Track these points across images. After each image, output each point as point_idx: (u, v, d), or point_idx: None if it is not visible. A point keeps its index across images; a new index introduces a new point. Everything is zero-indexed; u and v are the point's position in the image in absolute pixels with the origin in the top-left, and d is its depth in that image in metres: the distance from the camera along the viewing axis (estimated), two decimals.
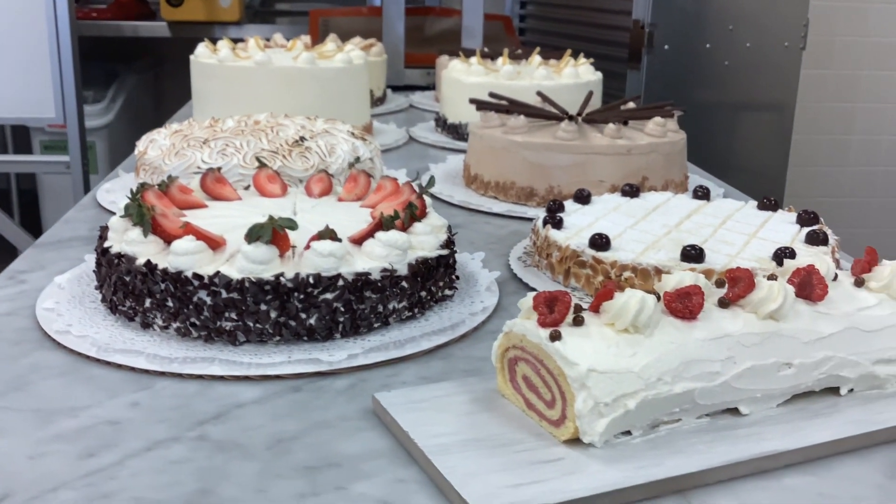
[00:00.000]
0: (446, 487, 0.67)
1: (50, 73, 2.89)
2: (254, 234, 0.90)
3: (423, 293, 0.99)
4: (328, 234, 0.93)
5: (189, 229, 0.92)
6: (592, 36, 3.44)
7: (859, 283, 0.84)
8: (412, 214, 1.01)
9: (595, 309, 0.77)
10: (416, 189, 1.10)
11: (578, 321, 0.75)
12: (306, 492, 0.68)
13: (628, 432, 0.73)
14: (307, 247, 0.92)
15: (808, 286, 0.81)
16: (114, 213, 1.38)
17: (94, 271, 1.02)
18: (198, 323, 0.91)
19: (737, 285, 0.79)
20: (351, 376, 0.87)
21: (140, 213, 0.94)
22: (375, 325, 0.95)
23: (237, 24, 4.13)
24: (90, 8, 4.17)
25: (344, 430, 0.77)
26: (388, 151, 1.89)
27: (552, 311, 0.75)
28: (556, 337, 0.72)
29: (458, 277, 1.10)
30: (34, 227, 4.36)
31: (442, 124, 2.04)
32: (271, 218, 0.92)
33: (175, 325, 0.91)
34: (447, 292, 1.05)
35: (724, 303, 0.79)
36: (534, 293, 0.77)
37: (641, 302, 0.74)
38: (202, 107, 1.88)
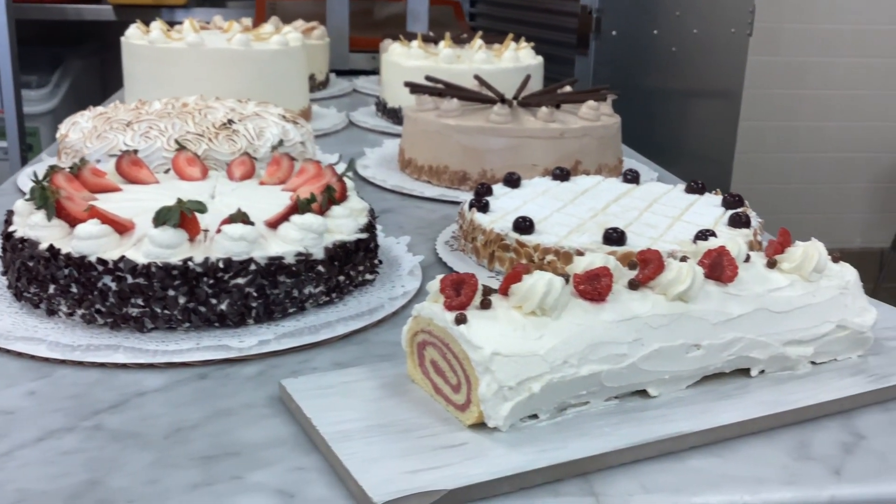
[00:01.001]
0: (344, 474, 0.65)
1: None
2: (161, 218, 0.88)
3: (342, 278, 0.97)
4: (240, 217, 0.90)
5: (94, 213, 0.89)
6: (542, 21, 3.43)
7: (772, 264, 0.84)
8: (330, 197, 0.99)
9: (504, 292, 0.75)
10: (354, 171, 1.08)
11: (486, 304, 0.73)
12: (199, 482, 0.66)
13: (536, 416, 0.72)
14: (218, 230, 0.89)
15: (719, 267, 0.80)
16: None
17: None
18: (103, 310, 0.88)
19: (647, 267, 0.79)
20: (261, 363, 0.85)
21: (44, 197, 0.91)
22: (290, 311, 0.93)
23: (184, 8, 4.05)
24: None
25: (247, 417, 0.75)
26: (326, 136, 1.86)
27: (458, 293, 0.73)
28: (461, 320, 0.71)
29: (380, 262, 1.08)
30: None
31: (382, 108, 2.02)
32: (180, 201, 0.89)
33: (80, 311, 0.88)
34: (368, 277, 1.03)
35: (634, 284, 0.78)
36: (442, 276, 0.76)
37: (549, 284, 0.72)
38: (133, 89, 1.84)
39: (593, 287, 0.75)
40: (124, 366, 0.83)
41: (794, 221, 4.62)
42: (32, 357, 0.84)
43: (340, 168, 1.49)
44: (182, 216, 0.88)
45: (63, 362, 0.83)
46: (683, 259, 0.81)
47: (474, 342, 0.70)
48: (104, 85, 4.92)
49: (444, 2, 3.27)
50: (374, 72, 2.70)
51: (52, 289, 0.89)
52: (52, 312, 0.90)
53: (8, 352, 0.85)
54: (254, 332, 0.89)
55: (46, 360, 0.83)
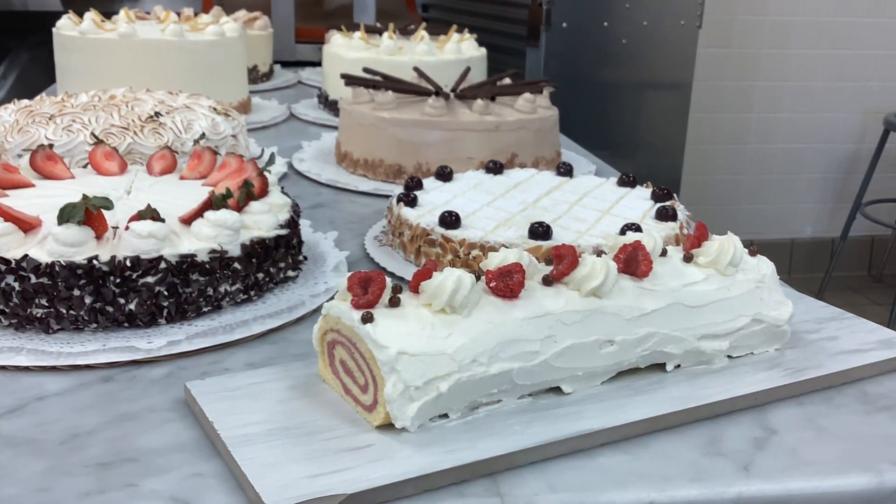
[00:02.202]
0: (242, 480, 0.63)
1: None
2: (65, 215, 0.85)
3: (260, 275, 0.95)
4: (149, 213, 0.87)
5: None
6: (493, 13, 3.42)
7: (688, 258, 0.83)
8: (248, 192, 0.97)
9: (414, 289, 0.74)
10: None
11: (395, 302, 0.72)
12: (93, 490, 0.63)
13: (445, 415, 0.71)
14: (126, 227, 0.87)
15: (634, 262, 0.80)
16: None
17: None
18: (6, 310, 0.85)
19: (561, 262, 0.78)
20: (170, 364, 0.83)
21: None
22: (205, 310, 0.91)
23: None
24: None
25: (149, 422, 0.73)
26: (265, 129, 1.83)
27: (366, 291, 0.72)
28: (367, 319, 0.69)
29: (305, 258, 1.06)
30: None
31: (324, 101, 1.99)
32: (85, 197, 0.86)
33: None
34: (290, 273, 1.01)
35: (547, 280, 0.77)
36: (349, 273, 0.74)
37: (458, 281, 0.71)
38: (65, 81, 1.79)
39: (505, 284, 0.74)
40: (26, 369, 0.80)
41: (745, 212, 4.68)
42: None
43: (282, 165, 1.47)
44: (87, 213, 0.85)
45: None
46: (599, 254, 0.80)
47: (380, 341, 0.68)
48: (52, 77, 4.82)
49: None
50: (321, 63, 2.67)
51: None
52: None
53: None
54: (165, 332, 0.87)
55: None
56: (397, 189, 1.40)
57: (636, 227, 1.02)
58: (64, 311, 0.84)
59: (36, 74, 4.58)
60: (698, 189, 4.34)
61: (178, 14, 2.29)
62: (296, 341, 0.89)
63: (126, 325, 0.87)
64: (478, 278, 0.74)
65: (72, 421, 0.72)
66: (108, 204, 0.86)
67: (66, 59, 1.76)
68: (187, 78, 1.73)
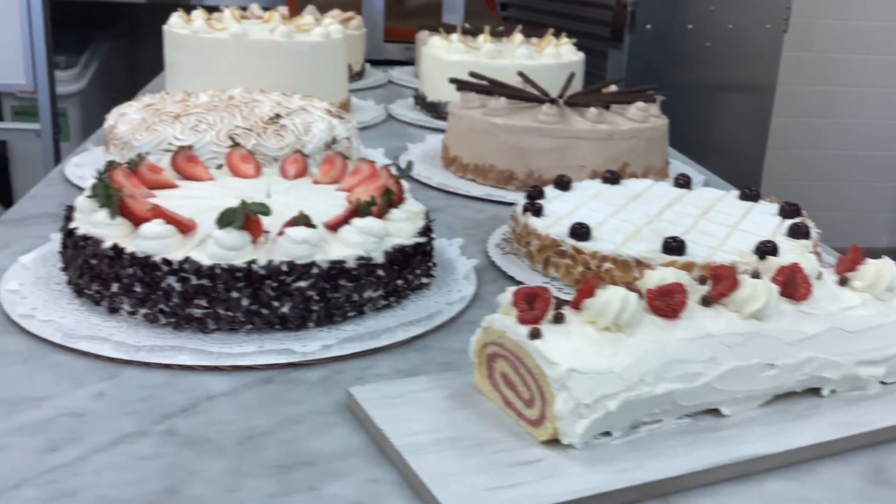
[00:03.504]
0: (422, 489, 0.65)
1: (20, 38, 2.81)
2: (225, 220, 0.87)
3: (400, 281, 0.97)
4: (302, 220, 0.90)
5: (158, 212, 0.89)
6: (574, 13, 3.40)
7: (843, 282, 0.83)
8: (389, 200, 0.99)
9: (576, 305, 0.75)
10: (394, 173, 1.07)
11: (559, 318, 0.73)
12: (277, 492, 0.66)
13: (608, 433, 0.72)
14: (281, 233, 0.89)
15: (792, 285, 0.79)
16: (80, 188, 1.35)
17: (59, 252, 0.99)
18: (166, 309, 0.88)
19: (720, 283, 0.78)
20: (324, 368, 0.85)
21: (107, 195, 0.91)
22: (350, 314, 0.93)
23: None
24: None
25: (317, 425, 0.75)
26: (365, 129, 1.85)
27: (532, 307, 0.73)
28: (535, 335, 0.71)
29: (435, 265, 1.07)
30: (4, 193, 4.27)
31: (421, 102, 2.01)
32: (244, 203, 0.89)
33: (143, 311, 0.88)
34: (424, 280, 1.02)
35: (706, 301, 0.77)
36: (513, 288, 0.75)
37: (624, 300, 0.72)
38: (175, 79, 1.83)
39: (667, 303, 0.74)
40: (189, 368, 0.83)
41: (820, 219, 4.56)
42: (98, 357, 0.84)
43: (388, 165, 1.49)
44: (246, 218, 0.88)
45: (129, 363, 0.83)
46: (755, 275, 0.80)
47: (550, 358, 0.69)
48: (132, 67, 4.93)
49: None
50: (409, 62, 2.69)
51: (114, 287, 0.89)
52: (113, 310, 0.90)
53: (73, 350, 0.85)
54: (315, 335, 0.89)
55: (112, 360, 0.83)
56: (509, 195, 1.41)
57: (772, 246, 1.01)
58: (221, 311, 0.87)
59: (117, 64, 4.69)
60: (773, 194, 4.28)
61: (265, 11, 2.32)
62: (439, 349, 0.91)
63: (277, 327, 0.89)
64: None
65: (243, 422, 0.75)
66: (266, 210, 0.89)
67: (176, 56, 1.81)
68: (294, 78, 1.76)
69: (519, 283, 1.07)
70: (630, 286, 0.75)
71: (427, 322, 0.95)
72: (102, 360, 0.83)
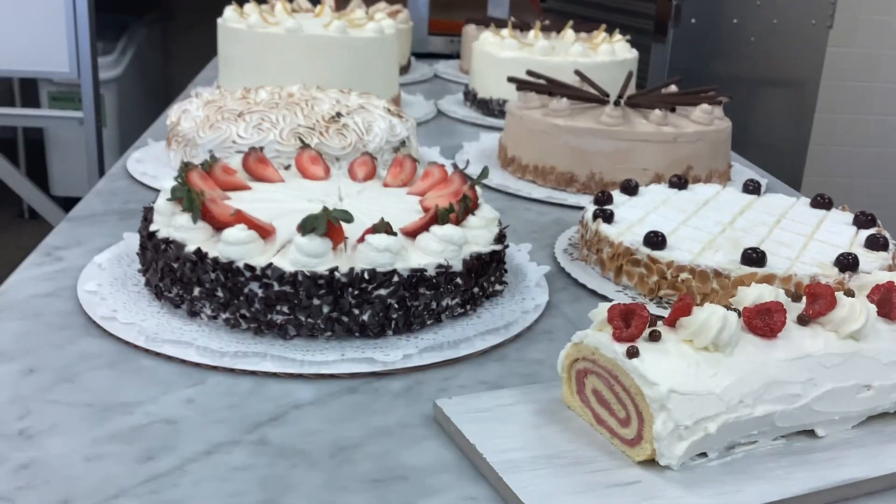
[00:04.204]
0: None
1: (64, 25, 2.83)
2: (308, 226, 0.87)
3: (476, 289, 0.96)
4: (383, 227, 0.89)
5: (241, 217, 0.89)
6: (617, 6, 3.37)
7: None
8: (466, 207, 0.98)
9: (671, 323, 0.74)
10: (466, 177, 1.06)
11: (655, 336, 0.72)
12: None
13: (704, 454, 0.71)
14: (361, 239, 0.89)
15: (888, 304, 0.78)
16: (145, 185, 1.35)
17: (137, 254, 0.99)
18: (248, 315, 0.88)
19: (817, 302, 0.77)
20: (406, 377, 0.85)
21: (190, 199, 0.91)
22: (428, 322, 0.92)
23: None
24: None
25: (406, 438, 0.75)
26: (417, 126, 1.85)
27: (628, 325, 0.72)
28: (633, 353, 0.70)
29: (506, 271, 1.07)
30: (40, 175, 4.32)
31: (472, 99, 1.99)
32: (325, 209, 0.88)
33: (224, 315, 0.89)
34: (498, 287, 1.02)
35: (803, 320, 0.76)
36: (607, 304, 0.74)
37: (724, 320, 0.71)
38: (229, 72, 1.83)
39: (765, 323, 0.73)
40: (273, 374, 0.83)
41: None
42: (182, 361, 0.84)
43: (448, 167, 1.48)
44: (328, 224, 0.88)
45: (213, 368, 0.83)
46: (849, 293, 0.78)
47: (649, 378, 0.68)
48: (167, 53, 4.96)
49: None
50: (454, 55, 2.68)
51: (196, 291, 0.89)
52: (194, 314, 0.91)
53: (157, 354, 0.85)
54: (394, 344, 0.89)
55: (196, 365, 0.84)
56: (570, 197, 1.40)
57: (854, 258, 1.00)
58: (303, 318, 0.87)
59: (153, 51, 4.72)
60: (813, 190, 4.23)
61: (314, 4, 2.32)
62: (518, 360, 0.90)
63: (357, 334, 0.89)
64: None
65: (333, 433, 0.75)
66: (348, 217, 0.88)
67: (231, 50, 1.80)
68: (348, 73, 1.76)
69: (591, 291, 1.07)
70: (726, 305, 0.74)
71: (504, 332, 0.94)
72: (187, 365, 0.84)
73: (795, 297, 0.79)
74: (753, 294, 0.76)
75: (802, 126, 3.48)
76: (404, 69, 2.39)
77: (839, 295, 0.77)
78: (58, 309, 0.93)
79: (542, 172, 1.45)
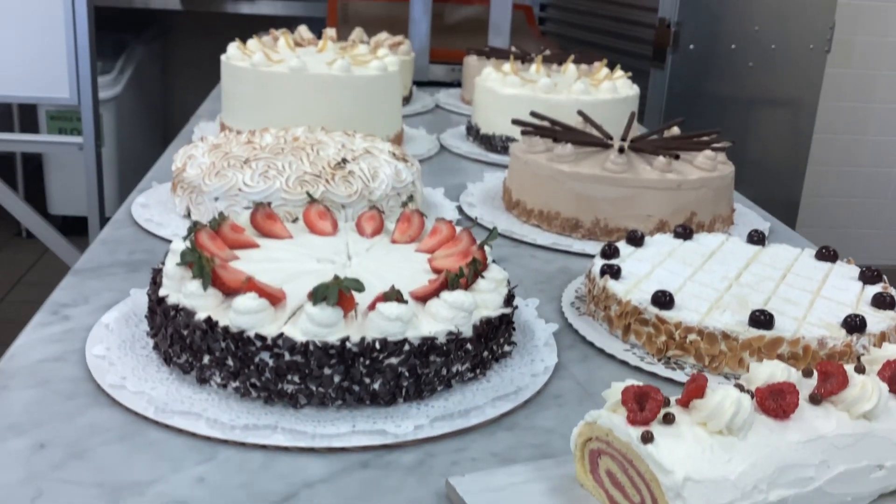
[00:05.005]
0: None
1: (65, 51, 2.82)
2: (319, 295, 0.87)
3: (486, 353, 0.96)
4: (394, 295, 0.89)
5: (251, 285, 0.89)
6: (614, 30, 3.39)
7: None
8: (475, 270, 0.98)
9: (685, 403, 0.74)
10: (476, 222, 1.07)
11: (669, 419, 0.72)
12: None
13: None
14: (372, 306, 0.89)
15: None
16: (150, 232, 1.35)
17: (146, 316, 0.99)
18: (258, 384, 0.88)
19: (828, 380, 0.77)
20: (418, 449, 0.85)
21: (200, 265, 0.91)
22: (438, 388, 0.92)
23: (249, 0, 4.06)
24: None
25: None
26: (420, 162, 1.85)
27: (643, 408, 0.72)
28: (648, 439, 0.70)
29: (514, 329, 1.07)
30: (38, 193, 4.31)
31: (475, 134, 2.00)
32: (337, 278, 0.88)
33: (234, 384, 0.88)
34: (507, 348, 1.02)
35: (815, 399, 0.76)
36: (620, 385, 0.74)
37: (737, 404, 0.71)
38: (233, 109, 1.84)
39: (778, 404, 0.73)
40: (284, 448, 0.83)
41: (857, 236, 4.55)
42: (192, 434, 0.84)
43: (453, 210, 1.48)
44: (339, 293, 0.88)
45: (224, 442, 0.83)
46: (860, 369, 0.79)
47: (664, 465, 0.68)
48: (165, 70, 4.96)
49: (517, 7, 3.22)
50: (454, 84, 2.69)
51: (206, 359, 0.89)
52: (203, 381, 0.91)
53: (167, 426, 0.85)
54: (405, 412, 0.89)
55: (206, 438, 0.83)
56: (576, 243, 1.40)
57: (861, 320, 1.00)
58: (313, 388, 0.87)
59: (151, 69, 4.72)
60: (811, 211, 4.24)
61: (320, 36, 2.33)
62: (529, 428, 0.90)
63: (367, 402, 0.89)
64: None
65: None
66: (359, 286, 0.88)
67: (234, 88, 1.81)
68: (352, 111, 1.76)
69: (599, 349, 1.07)
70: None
71: (514, 397, 0.94)
72: (197, 438, 0.83)
73: (807, 373, 0.79)
74: (766, 373, 0.76)
75: (801, 148, 3.50)
76: (406, 99, 2.40)
77: (851, 372, 0.77)
78: (66, 375, 0.93)
79: (548, 217, 1.45)
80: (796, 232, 1.62)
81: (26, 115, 4.19)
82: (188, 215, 1.38)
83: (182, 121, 2.15)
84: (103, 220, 3.10)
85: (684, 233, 1.28)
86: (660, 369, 1.01)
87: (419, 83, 2.62)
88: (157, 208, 1.43)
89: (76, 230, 3.93)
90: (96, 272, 1.20)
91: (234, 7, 4.13)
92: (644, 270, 1.15)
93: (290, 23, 4.22)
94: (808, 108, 3.43)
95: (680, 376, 1.00)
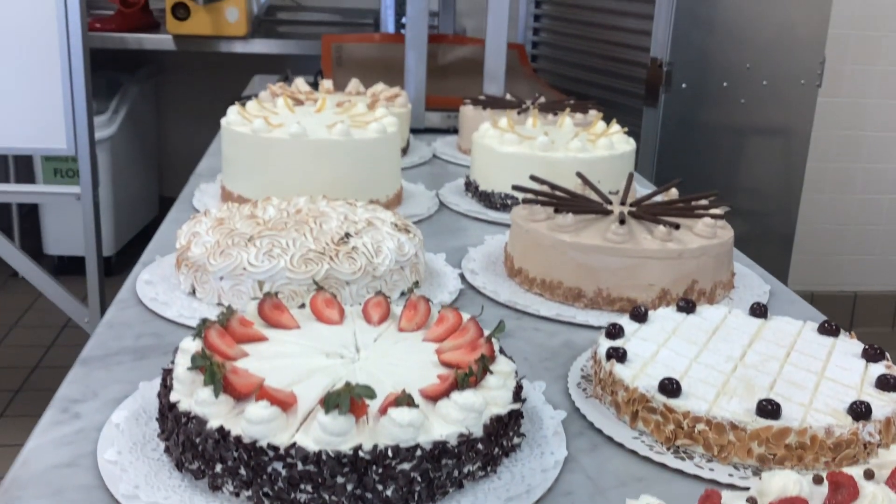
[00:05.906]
0: None
1: (62, 102, 2.84)
2: (331, 403, 0.87)
3: (496, 450, 0.97)
4: (405, 400, 0.90)
5: (263, 393, 0.90)
6: (606, 69, 3.42)
7: None
8: (485, 366, 0.99)
9: None
10: (480, 323, 1.08)
11: None
12: None
13: None
14: (383, 410, 0.89)
15: None
16: (155, 313, 1.35)
17: (157, 419, 0.99)
18: (271, 493, 0.88)
19: (839, 491, 0.77)
20: None
21: (211, 372, 0.91)
22: (450, 490, 0.93)
23: (243, 39, 4.08)
24: (94, 17, 4.06)
25: None
26: (420, 222, 1.86)
27: None
28: None
29: (523, 417, 1.07)
30: (34, 233, 4.31)
31: (473, 190, 2.01)
32: (348, 385, 0.89)
33: (247, 493, 0.89)
34: (516, 440, 1.02)
35: None
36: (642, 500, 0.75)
37: None
38: (232, 173, 1.85)
39: None
40: None
41: (849, 262, 4.58)
42: None
43: (456, 279, 1.49)
44: (351, 400, 0.88)
45: None
46: (869, 474, 0.79)
47: None
48: (159, 109, 4.97)
49: (509, 46, 3.25)
50: (450, 130, 2.70)
51: (218, 468, 0.89)
52: (216, 488, 0.91)
53: None
54: None
55: None
56: (579, 314, 1.41)
57: (866, 407, 1.01)
58: (326, 496, 0.87)
59: (145, 108, 4.73)
60: (803, 239, 4.27)
61: (315, 82, 2.34)
62: None
63: None
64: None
65: None
66: (371, 394, 0.89)
67: (235, 153, 1.82)
68: (352, 174, 1.78)
69: (608, 437, 1.07)
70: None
71: (526, 497, 0.94)
72: None
73: (817, 480, 0.80)
74: (779, 485, 0.77)
75: (794, 177, 3.52)
76: (403, 150, 2.41)
77: (861, 482, 0.78)
78: (79, 483, 0.93)
79: (550, 286, 1.46)
80: (789, 288, 1.63)
81: (22, 157, 4.20)
82: (193, 293, 1.38)
83: (176, 160, 2.16)
84: (101, 262, 3.10)
85: (687, 307, 1.29)
86: (669, 459, 1.02)
87: (416, 131, 2.64)
88: (162, 286, 1.43)
89: (73, 270, 3.93)
90: (103, 361, 1.20)
91: (227, 46, 4.15)
92: (650, 351, 1.16)
93: (283, 61, 4.24)
94: (801, 139, 3.46)
95: (689, 467, 1.01)
